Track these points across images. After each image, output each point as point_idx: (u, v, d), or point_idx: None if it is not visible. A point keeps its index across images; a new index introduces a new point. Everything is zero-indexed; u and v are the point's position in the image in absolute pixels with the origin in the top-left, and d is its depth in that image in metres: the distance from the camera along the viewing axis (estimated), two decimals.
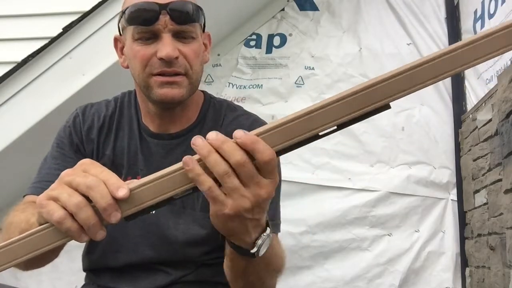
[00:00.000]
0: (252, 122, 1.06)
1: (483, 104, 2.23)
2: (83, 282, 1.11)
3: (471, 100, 2.50)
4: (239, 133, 0.58)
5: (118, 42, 1.05)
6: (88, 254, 1.08)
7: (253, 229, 0.67)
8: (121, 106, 1.10)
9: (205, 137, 0.59)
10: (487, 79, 2.30)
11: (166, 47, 0.92)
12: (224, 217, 0.61)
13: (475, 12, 2.48)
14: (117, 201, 0.57)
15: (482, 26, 2.39)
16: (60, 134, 1.07)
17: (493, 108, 2.00)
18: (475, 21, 2.48)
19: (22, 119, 2.13)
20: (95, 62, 2.15)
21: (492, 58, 0.58)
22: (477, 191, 2.27)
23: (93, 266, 1.08)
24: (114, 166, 1.04)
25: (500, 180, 1.87)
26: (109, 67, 2.13)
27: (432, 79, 0.57)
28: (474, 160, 2.30)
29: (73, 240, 0.60)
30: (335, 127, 0.59)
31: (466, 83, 2.59)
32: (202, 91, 1.12)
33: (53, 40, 2.15)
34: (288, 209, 2.42)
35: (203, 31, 1.03)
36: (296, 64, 2.77)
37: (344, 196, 2.56)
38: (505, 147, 1.72)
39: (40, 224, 0.60)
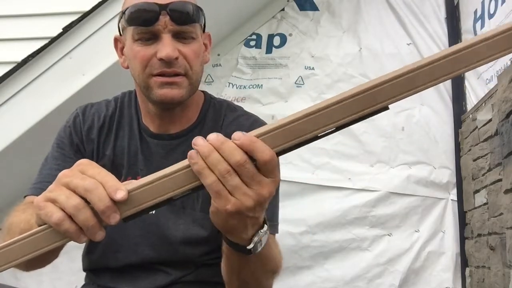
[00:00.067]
0: (252, 122, 1.06)
1: (483, 104, 2.23)
2: (83, 282, 1.11)
3: (471, 100, 2.50)
4: (237, 135, 0.58)
5: (118, 42, 1.05)
6: (88, 254, 1.08)
7: (251, 226, 0.67)
8: (121, 106, 1.10)
9: (205, 138, 0.59)
10: (487, 79, 2.30)
11: (166, 47, 0.92)
12: (226, 214, 0.61)
13: (475, 12, 2.48)
14: (116, 202, 0.57)
15: (482, 26, 2.39)
16: (60, 134, 1.07)
17: (493, 108, 2.00)
18: (475, 21, 2.48)
19: (22, 119, 2.13)
20: (95, 62, 2.15)
21: (492, 60, 0.58)
22: (477, 191, 2.27)
23: (93, 266, 1.08)
24: (114, 166, 1.04)
25: (500, 180, 1.87)
26: (109, 67, 2.13)
27: (433, 81, 0.58)
28: (474, 160, 2.30)
29: (72, 241, 0.60)
30: (334, 128, 0.59)
31: (466, 83, 2.59)
32: (202, 91, 1.11)
33: (53, 40, 2.15)
34: (288, 209, 2.43)
35: (203, 31, 1.03)
36: (296, 64, 2.77)
37: (344, 196, 2.57)
38: (505, 147, 1.72)
39: (39, 225, 0.60)
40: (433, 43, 2.69)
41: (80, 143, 1.06)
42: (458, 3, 2.71)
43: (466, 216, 2.48)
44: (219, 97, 1.17)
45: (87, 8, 2.18)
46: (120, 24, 1.01)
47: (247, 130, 0.60)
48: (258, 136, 0.59)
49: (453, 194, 2.56)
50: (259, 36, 2.83)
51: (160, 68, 0.94)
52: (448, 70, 0.57)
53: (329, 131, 0.59)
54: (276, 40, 2.82)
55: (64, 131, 1.07)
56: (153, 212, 1.01)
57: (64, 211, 0.58)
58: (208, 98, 1.11)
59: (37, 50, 2.14)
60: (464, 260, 2.47)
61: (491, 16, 2.29)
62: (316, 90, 2.71)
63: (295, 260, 2.49)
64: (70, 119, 1.09)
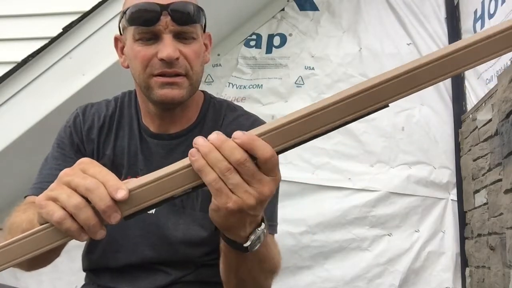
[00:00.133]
0: (252, 122, 1.06)
1: (483, 104, 2.23)
2: (83, 282, 1.11)
3: (471, 100, 2.50)
4: (238, 134, 0.58)
5: (118, 42, 1.05)
6: (88, 254, 1.08)
7: (249, 224, 0.68)
8: (121, 106, 1.10)
9: (206, 138, 0.60)
10: (487, 79, 2.30)
11: (167, 48, 0.92)
12: (226, 212, 0.61)
13: (475, 12, 2.48)
14: (117, 201, 0.58)
15: (482, 26, 2.39)
16: (61, 134, 1.07)
17: (493, 108, 2.00)
18: (475, 21, 2.48)
19: (22, 119, 2.13)
20: (95, 62, 2.15)
21: (493, 59, 0.58)
22: (477, 191, 2.27)
23: (93, 266, 1.08)
24: (114, 166, 1.04)
25: (500, 180, 1.87)
26: (109, 67, 2.13)
27: (433, 80, 0.58)
28: (474, 160, 2.30)
29: (73, 240, 0.60)
30: (334, 127, 0.59)
31: (466, 83, 2.59)
32: (202, 91, 1.12)
33: (53, 40, 2.15)
34: (288, 209, 2.43)
35: (204, 31, 1.03)
36: (296, 64, 2.77)
37: (344, 196, 2.57)
38: (505, 147, 1.72)
39: (41, 224, 0.60)
40: (433, 43, 2.69)
41: (80, 143, 1.06)
42: (458, 3, 2.72)
43: (466, 216, 2.48)
44: (219, 97, 1.17)
45: (87, 8, 2.18)
46: (120, 24, 1.01)
47: (247, 130, 0.60)
48: (258, 136, 0.59)
49: (453, 194, 2.56)
50: (259, 36, 2.83)
51: (160, 68, 0.94)
52: (449, 69, 0.57)
53: (329, 130, 0.59)
54: (276, 40, 2.82)
55: (64, 131, 1.07)
56: (153, 211, 1.01)
57: (66, 210, 0.58)
58: (208, 98, 1.11)
59: (37, 50, 2.14)
60: (464, 260, 2.47)
61: (491, 16, 2.29)
62: (316, 90, 2.71)
63: (295, 260, 2.49)
64: (70, 119, 1.09)
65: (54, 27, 2.22)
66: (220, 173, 0.58)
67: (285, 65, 2.78)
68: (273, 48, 2.81)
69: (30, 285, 2.42)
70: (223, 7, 2.43)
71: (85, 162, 0.62)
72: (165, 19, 0.92)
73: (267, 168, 0.59)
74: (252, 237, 0.70)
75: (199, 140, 0.59)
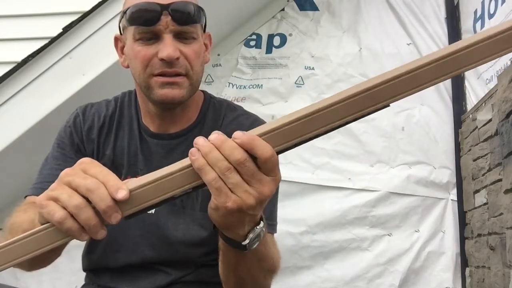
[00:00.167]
0: (252, 122, 1.06)
1: (483, 104, 2.23)
2: (83, 282, 1.11)
3: (471, 100, 2.50)
4: (238, 134, 0.59)
5: (118, 42, 1.05)
6: (88, 254, 1.08)
7: (248, 223, 0.68)
8: (121, 106, 1.10)
9: (205, 137, 0.60)
10: (487, 79, 2.30)
11: (167, 47, 0.92)
12: (226, 211, 0.61)
13: (475, 12, 2.48)
14: (117, 201, 0.58)
15: (482, 26, 2.39)
16: (61, 134, 1.07)
17: (493, 108, 2.00)
18: (475, 21, 2.48)
19: (22, 119, 2.13)
20: (95, 62, 2.15)
21: (493, 59, 0.58)
22: (477, 191, 2.27)
23: (93, 266, 1.08)
24: (114, 166, 1.04)
25: (500, 180, 1.87)
26: (109, 67, 2.13)
27: (434, 80, 0.57)
28: (474, 160, 2.30)
29: (73, 240, 0.61)
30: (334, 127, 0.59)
31: (466, 83, 2.59)
32: (202, 91, 1.12)
33: (53, 40, 2.15)
34: (288, 209, 2.43)
35: (204, 31, 1.03)
36: (296, 64, 2.77)
37: (344, 196, 2.57)
38: (505, 147, 1.72)
39: (41, 224, 0.60)
40: (433, 43, 2.69)
41: (80, 143, 1.06)
42: (458, 3, 2.72)
43: (466, 216, 2.48)
44: (219, 97, 1.17)
45: (87, 8, 2.18)
46: (120, 24, 1.01)
47: (247, 129, 0.60)
48: (258, 136, 0.59)
49: (453, 194, 2.56)
50: (259, 36, 2.83)
51: (161, 68, 0.94)
52: (450, 69, 0.57)
53: (329, 130, 0.59)
54: (276, 40, 2.82)
55: (64, 131, 1.07)
56: (153, 211, 1.01)
57: (66, 210, 0.58)
58: (208, 98, 1.11)
59: (37, 50, 2.14)
60: (464, 260, 2.47)
61: (491, 16, 2.29)
62: (316, 90, 2.71)
63: (295, 260, 2.49)
64: (70, 119, 1.09)
65: (54, 27, 2.22)
66: (220, 173, 0.58)
67: (285, 65, 2.78)
68: (273, 48, 2.81)
69: (30, 285, 2.42)
70: (223, 7, 2.43)
71: (85, 162, 0.62)
72: (166, 19, 0.92)
73: (267, 168, 0.59)
74: (251, 235, 0.70)
75: (199, 140, 0.59)
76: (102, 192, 0.58)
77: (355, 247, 2.51)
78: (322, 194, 2.58)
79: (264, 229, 0.73)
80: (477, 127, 2.24)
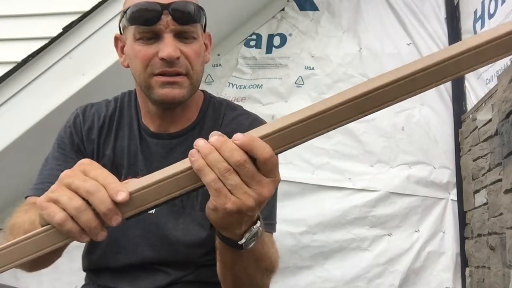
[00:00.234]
0: (252, 121, 1.06)
1: (483, 104, 2.23)
2: (83, 282, 1.11)
3: (471, 100, 2.50)
4: (237, 136, 0.59)
5: (118, 41, 1.05)
6: (88, 254, 1.08)
7: (245, 223, 0.68)
8: (121, 106, 1.10)
9: (205, 137, 0.60)
10: (487, 79, 2.30)
11: (168, 47, 0.92)
12: (225, 212, 0.61)
13: (475, 12, 2.48)
14: (117, 203, 0.58)
15: (482, 26, 2.39)
16: (61, 134, 1.07)
17: (493, 108, 2.00)
18: (475, 21, 2.48)
19: (22, 119, 2.13)
20: (95, 62, 2.15)
21: (494, 62, 0.57)
22: (477, 191, 2.27)
23: (93, 266, 1.08)
24: (114, 166, 1.04)
25: (500, 180, 1.87)
26: (109, 67, 2.13)
27: (435, 83, 0.57)
28: (474, 160, 2.30)
29: (75, 240, 0.60)
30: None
31: (466, 83, 2.59)
32: (202, 91, 1.12)
33: (53, 40, 2.15)
34: (288, 209, 2.43)
35: (204, 31, 1.03)
36: (296, 64, 2.77)
37: (344, 196, 2.57)
38: (505, 147, 1.72)
39: (42, 226, 0.60)
40: (433, 43, 2.69)
41: (80, 143, 1.06)
42: (458, 3, 2.72)
43: (466, 216, 2.49)
44: (219, 96, 1.17)
45: (87, 8, 2.18)
46: (121, 23, 1.01)
47: (247, 129, 0.60)
48: (258, 138, 0.59)
49: (453, 194, 2.56)
50: (259, 36, 2.83)
51: (161, 67, 0.94)
52: (452, 72, 0.57)
53: (329, 131, 0.59)
54: (276, 40, 2.82)
55: (64, 131, 1.07)
56: (153, 211, 1.01)
57: (67, 212, 0.58)
58: (208, 98, 1.11)
59: (37, 50, 2.14)
60: (464, 260, 2.47)
61: (491, 16, 2.29)
62: (316, 90, 2.71)
63: (295, 260, 2.49)
64: (70, 119, 1.09)
65: (54, 27, 2.22)
66: (219, 174, 0.58)
67: (285, 65, 2.78)
68: (273, 48, 2.81)
69: (30, 285, 2.42)
70: (223, 7, 2.43)
71: (85, 163, 0.62)
72: (166, 19, 0.92)
73: (267, 169, 0.60)
74: (247, 235, 0.70)
75: (199, 142, 0.59)
76: (102, 194, 0.58)
77: (355, 247, 2.51)
78: (322, 194, 2.58)
79: (261, 229, 0.73)
80: (477, 127, 2.24)
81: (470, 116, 2.42)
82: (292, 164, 2.58)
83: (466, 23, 2.62)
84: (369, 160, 2.60)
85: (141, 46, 0.95)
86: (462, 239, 2.50)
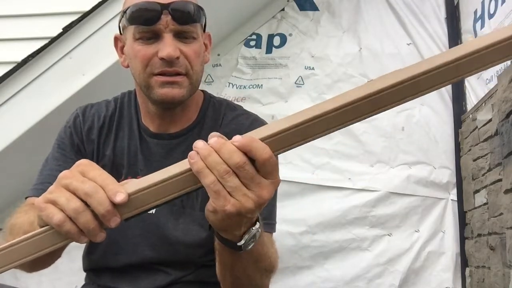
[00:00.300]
0: (251, 121, 1.06)
1: (483, 104, 2.23)
2: (83, 282, 1.11)
3: (471, 100, 2.50)
4: (236, 137, 0.59)
5: (118, 41, 1.05)
6: (88, 255, 1.08)
7: (244, 225, 0.68)
8: (121, 106, 1.10)
9: (204, 137, 0.60)
10: (487, 79, 2.30)
11: (168, 47, 0.92)
12: (224, 214, 0.61)
13: (475, 12, 2.48)
14: (116, 205, 0.58)
15: (482, 26, 2.39)
16: (61, 134, 1.07)
17: (493, 108, 2.00)
18: (475, 21, 2.48)
19: (22, 119, 2.13)
20: (95, 62, 2.14)
21: (496, 65, 0.57)
22: (477, 191, 2.27)
23: (94, 266, 1.08)
24: (114, 167, 1.04)
25: (500, 180, 1.87)
26: (109, 67, 2.13)
27: (436, 86, 0.57)
28: (474, 160, 2.30)
29: (74, 241, 0.60)
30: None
31: (466, 83, 2.59)
32: (202, 91, 1.12)
33: (53, 40, 2.15)
34: (288, 209, 2.43)
35: (204, 31, 1.03)
36: (296, 64, 2.77)
37: (344, 196, 2.57)
38: (505, 147, 1.72)
39: (41, 227, 0.60)
40: (433, 43, 2.69)
41: (80, 143, 1.06)
42: (458, 3, 2.72)
43: (466, 216, 2.48)
44: (219, 96, 1.17)
45: (87, 8, 2.18)
46: (120, 23, 1.01)
47: (247, 129, 0.60)
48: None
49: (453, 194, 2.56)
50: (259, 36, 2.83)
51: (161, 67, 0.94)
52: (453, 75, 0.57)
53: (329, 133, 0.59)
54: (276, 40, 2.82)
55: (64, 131, 1.07)
56: (153, 211, 1.01)
57: (65, 213, 0.58)
58: (208, 98, 1.11)
59: (37, 50, 2.14)
60: (464, 260, 2.47)
61: (491, 16, 2.29)
62: (316, 90, 2.71)
63: (295, 260, 2.49)
64: (70, 119, 1.09)
65: (54, 27, 2.22)
66: (218, 176, 0.58)
67: (285, 65, 2.78)
68: (273, 48, 2.81)
69: (30, 285, 2.41)
70: (223, 7, 2.43)
71: (84, 164, 0.62)
72: (166, 18, 0.92)
73: (266, 170, 0.59)
74: (246, 236, 0.70)
75: (198, 143, 0.59)
76: (101, 196, 0.57)
77: (355, 247, 2.51)
78: (322, 194, 2.58)
79: (260, 230, 0.73)
80: (477, 127, 2.24)
81: (470, 116, 2.42)
82: (292, 164, 2.58)
83: (466, 23, 2.62)
84: (369, 160, 2.60)
85: (140, 46, 0.95)
86: (462, 239, 2.50)
